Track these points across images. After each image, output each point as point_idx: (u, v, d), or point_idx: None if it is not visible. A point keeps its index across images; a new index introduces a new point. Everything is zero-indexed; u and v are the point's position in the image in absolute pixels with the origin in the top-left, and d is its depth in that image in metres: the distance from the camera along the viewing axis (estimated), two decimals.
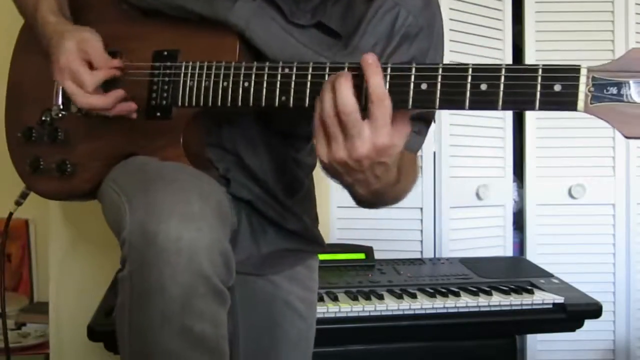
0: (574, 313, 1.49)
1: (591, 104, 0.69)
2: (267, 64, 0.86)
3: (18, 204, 1.19)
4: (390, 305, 1.44)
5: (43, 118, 1.06)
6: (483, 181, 2.13)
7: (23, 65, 1.13)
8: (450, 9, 2.05)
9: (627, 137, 0.70)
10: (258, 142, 1.03)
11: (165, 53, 0.95)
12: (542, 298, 1.49)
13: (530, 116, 2.19)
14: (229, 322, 1.05)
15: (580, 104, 0.69)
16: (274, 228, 1.07)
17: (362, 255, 1.76)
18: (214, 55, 0.90)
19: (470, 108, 0.74)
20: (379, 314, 1.43)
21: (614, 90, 0.68)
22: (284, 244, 1.08)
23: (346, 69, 0.79)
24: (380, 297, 1.47)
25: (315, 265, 1.18)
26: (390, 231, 1.99)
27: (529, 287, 1.55)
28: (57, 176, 1.04)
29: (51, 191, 1.07)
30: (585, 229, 2.17)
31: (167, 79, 0.93)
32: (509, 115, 2.19)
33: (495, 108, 0.73)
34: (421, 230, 2.04)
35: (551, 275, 1.69)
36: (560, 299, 1.49)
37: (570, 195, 2.17)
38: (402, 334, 1.48)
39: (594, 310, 1.49)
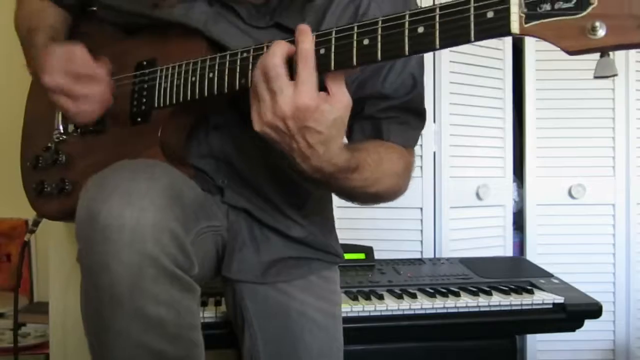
0: (574, 313, 1.48)
1: (526, 24, 0.66)
2: (228, 52, 0.89)
3: (31, 232, 1.23)
4: (390, 305, 1.43)
5: (48, 145, 1.13)
6: (483, 181, 2.13)
7: (34, 102, 1.22)
8: None
9: (569, 53, 0.65)
10: (248, 148, 1.03)
11: (145, 63, 1.02)
12: (542, 298, 1.49)
13: (530, 116, 2.19)
14: (245, 334, 1.06)
15: (514, 25, 0.66)
16: (278, 236, 1.07)
17: (362, 255, 1.76)
18: (186, 57, 0.95)
19: (411, 53, 0.73)
20: (379, 314, 1.43)
21: (547, 6, 0.65)
22: (288, 252, 1.08)
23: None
24: (380, 297, 1.47)
25: (332, 276, 1.15)
26: (390, 231, 1.99)
27: (529, 287, 1.54)
28: (58, 195, 1.08)
29: (54, 211, 1.12)
30: (585, 229, 2.17)
31: (145, 85, 1.00)
32: (509, 115, 2.19)
33: (434, 48, 0.71)
34: (421, 230, 2.04)
35: (551, 275, 1.68)
36: (560, 299, 1.49)
37: (570, 195, 2.17)
38: (402, 334, 1.47)
39: (594, 310, 1.49)
